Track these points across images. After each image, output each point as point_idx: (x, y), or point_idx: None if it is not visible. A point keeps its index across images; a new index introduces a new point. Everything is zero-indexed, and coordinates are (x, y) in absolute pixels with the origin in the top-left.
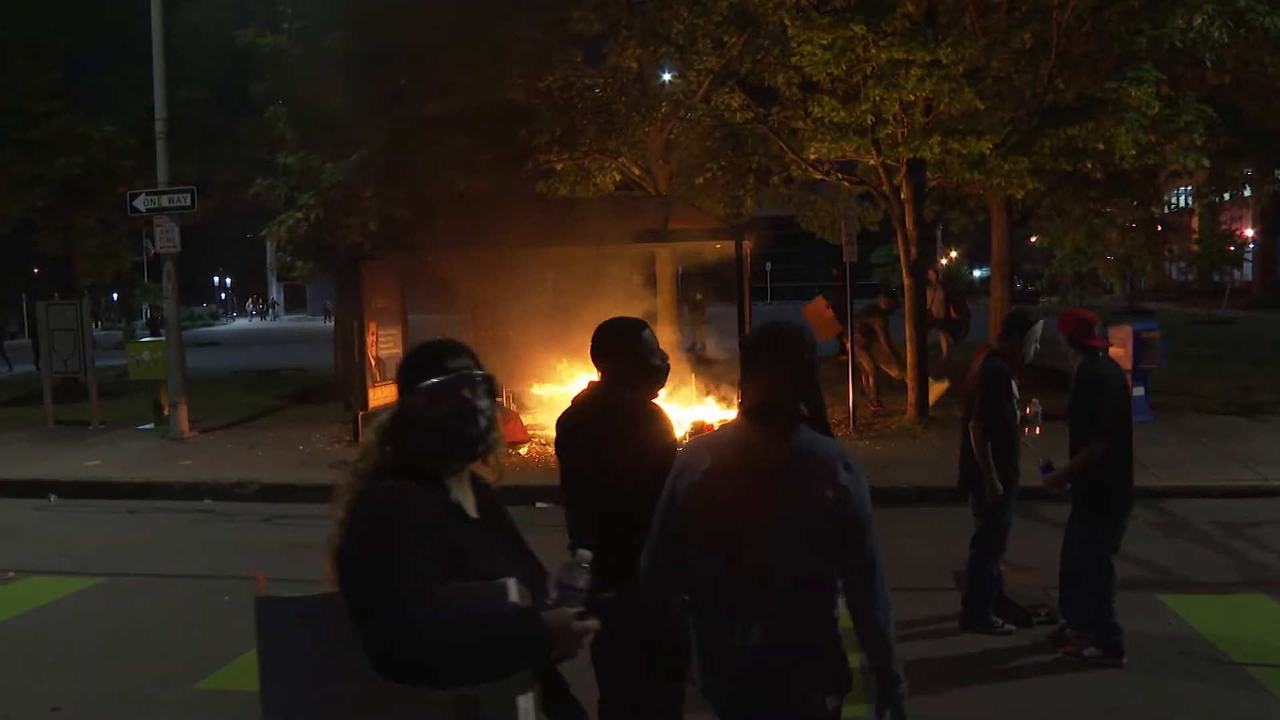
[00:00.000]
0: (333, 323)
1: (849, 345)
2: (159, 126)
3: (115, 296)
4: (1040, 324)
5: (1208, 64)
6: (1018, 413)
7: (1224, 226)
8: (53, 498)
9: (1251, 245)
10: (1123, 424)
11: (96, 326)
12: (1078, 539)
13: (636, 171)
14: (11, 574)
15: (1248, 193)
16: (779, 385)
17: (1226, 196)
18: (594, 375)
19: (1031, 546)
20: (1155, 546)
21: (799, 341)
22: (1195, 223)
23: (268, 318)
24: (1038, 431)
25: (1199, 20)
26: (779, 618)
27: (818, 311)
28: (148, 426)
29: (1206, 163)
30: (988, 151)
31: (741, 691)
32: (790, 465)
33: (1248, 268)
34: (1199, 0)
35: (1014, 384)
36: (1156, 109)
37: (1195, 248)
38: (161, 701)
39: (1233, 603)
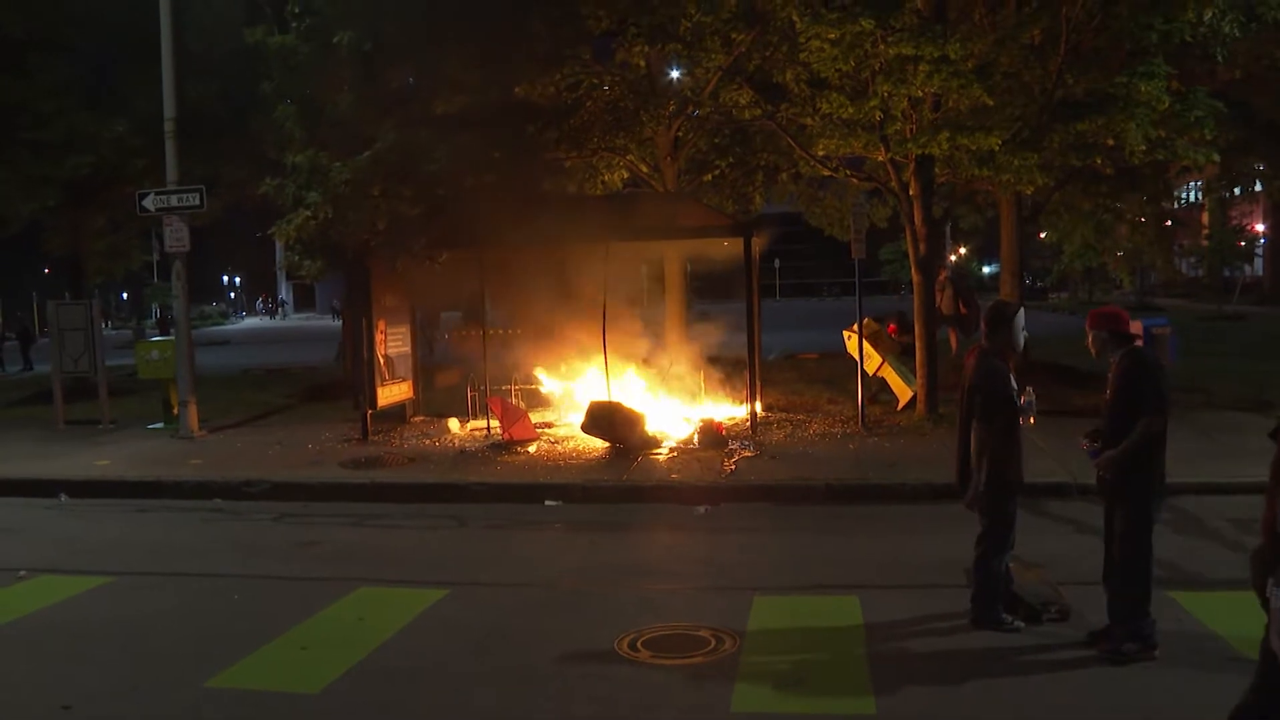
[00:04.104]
0: (341, 321)
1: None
2: (168, 126)
3: (125, 296)
4: (1021, 311)
5: (1219, 58)
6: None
7: (1234, 221)
8: (63, 497)
9: (1262, 240)
10: (1166, 406)
11: (106, 326)
12: (1127, 529)
13: (645, 169)
14: (23, 572)
15: (1258, 188)
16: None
17: (1237, 191)
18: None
19: (1041, 543)
20: (1166, 543)
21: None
22: (1206, 218)
23: (277, 316)
24: (1031, 421)
25: (1210, 14)
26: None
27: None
28: (158, 425)
29: (1217, 158)
30: (997, 147)
31: None
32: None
33: (1259, 263)
34: None
35: (1011, 378)
36: (1166, 104)
37: (1206, 243)
38: (172, 699)
39: (1244, 599)
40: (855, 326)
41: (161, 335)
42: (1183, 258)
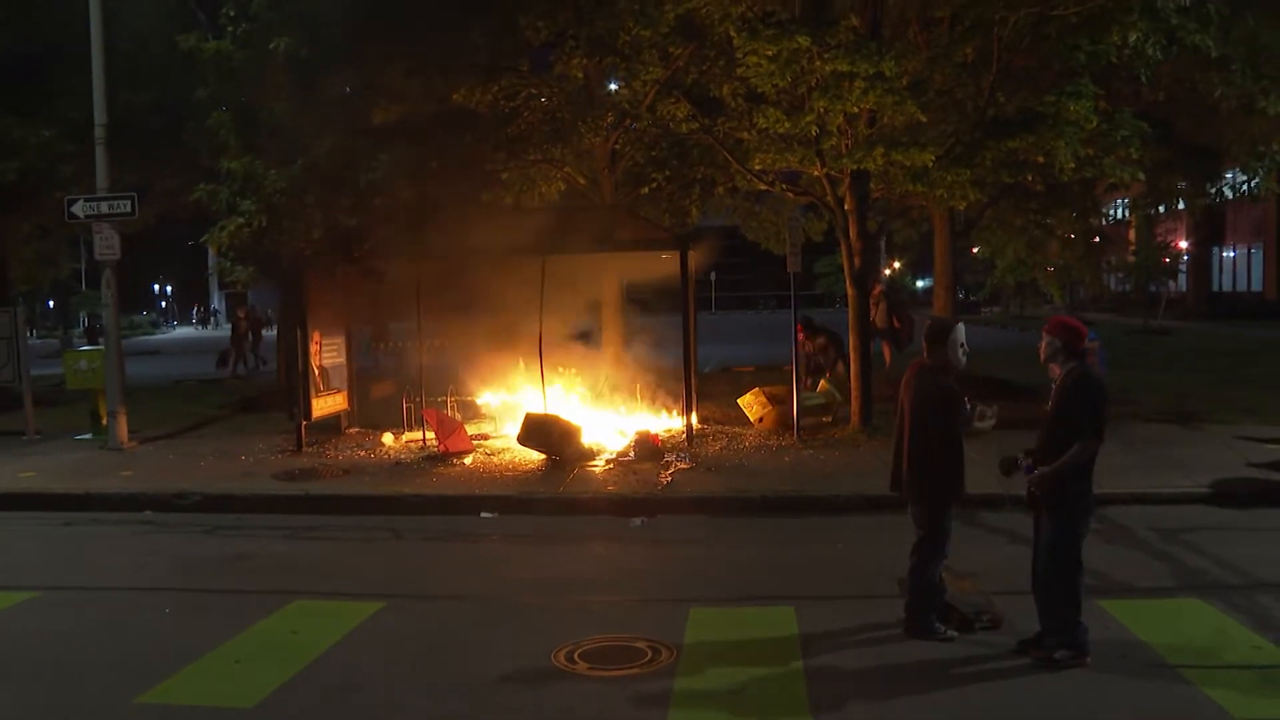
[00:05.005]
0: (274, 331)
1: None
2: (98, 132)
3: (51, 304)
4: (959, 327)
5: (1143, 80)
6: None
7: (1159, 238)
8: None
9: (1186, 257)
10: (1104, 429)
11: (32, 335)
12: (1053, 541)
13: (582, 181)
14: None
15: (1181, 206)
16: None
17: (1162, 209)
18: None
19: (973, 553)
20: (1095, 553)
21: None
22: (1132, 234)
23: (209, 326)
24: (992, 424)
25: (1134, 37)
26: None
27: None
28: (86, 437)
29: (1142, 176)
30: (930, 163)
31: None
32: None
33: (1183, 279)
34: (1133, 18)
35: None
36: (1094, 123)
37: (1132, 259)
38: (100, 717)
39: (1169, 607)
40: (754, 393)
41: (90, 344)
42: (1110, 273)
